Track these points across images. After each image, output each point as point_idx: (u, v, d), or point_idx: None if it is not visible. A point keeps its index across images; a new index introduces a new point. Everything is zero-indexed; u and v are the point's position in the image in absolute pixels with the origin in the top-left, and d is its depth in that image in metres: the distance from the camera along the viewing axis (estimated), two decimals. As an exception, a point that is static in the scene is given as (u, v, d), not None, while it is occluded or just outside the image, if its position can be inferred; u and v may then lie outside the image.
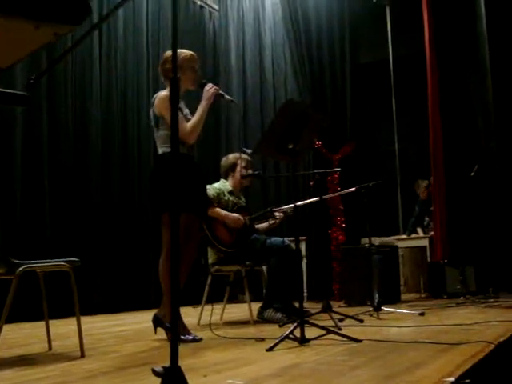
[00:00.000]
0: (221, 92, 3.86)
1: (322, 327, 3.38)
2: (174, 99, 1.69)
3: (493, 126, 7.15)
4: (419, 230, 8.34)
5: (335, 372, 2.42)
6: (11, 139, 5.74)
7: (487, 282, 6.81)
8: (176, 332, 1.69)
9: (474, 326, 3.81)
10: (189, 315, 4.61)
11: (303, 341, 3.24)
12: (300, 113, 3.38)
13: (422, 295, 7.43)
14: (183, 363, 2.83)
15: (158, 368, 1.65)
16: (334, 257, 7.29)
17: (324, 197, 4.55)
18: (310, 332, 3.35)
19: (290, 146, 3.40)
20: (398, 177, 8.78)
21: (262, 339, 3.49)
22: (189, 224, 3.70)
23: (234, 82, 8.69)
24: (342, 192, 5.32)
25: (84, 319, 5.36)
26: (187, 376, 2.43)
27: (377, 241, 7.93)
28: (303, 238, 7.07)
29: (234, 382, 2.26)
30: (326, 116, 4.13)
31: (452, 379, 2.14)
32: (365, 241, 7.58)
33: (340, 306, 6.27)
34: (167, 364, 2.76)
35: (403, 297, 7.33)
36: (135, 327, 4.55)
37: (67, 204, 6.19)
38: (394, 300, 6.35)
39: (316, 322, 4.10)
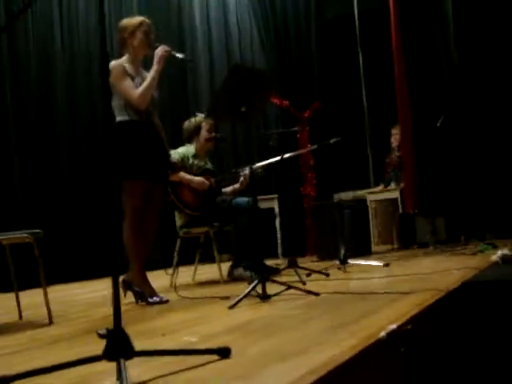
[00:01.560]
0: (172, 52, 3.88)
1: (282, 283, 3.49)
2: (103, 76, 1.74)
3: (457, 76, 7.23)
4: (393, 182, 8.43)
5: (286, 325, 2.55)
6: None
7: (458, 231, 6.98)
8: (118, 296, 1.77)
9: (433, 274, 3.93)
10: (160, 278, 4.71)
11: (265, 297, 3.35)
12: (251, 77, 3.44)
13: (394, 246, 7.57)
14: (146, 324, 2.99)
15: (102, 330, 1.73)
16: (307, 213, 7.42)
17: (284, 156, 4.62)
18: (275, 288, 3.46)
19: (243, 109, 3.46)
20: (368, 130, 8.84)
21: (227, 297, 3.60)
22: (149, 190, 3.80)
23: (199, 42, 8.65)
24: (302, 151, 5.41)
25: (55, 288, 5.55)
26: (147, 336, 2.57)
27: (350, 195, 8.07)
28: (274, 196, 7.15)
29: (189, 338, 2.37)
30: (272, 81, 4.16)
31: (394, 326, 2.25)
32: (338, 196, 7.75)
33: (312, 261, 6.42)
34: (135, 326, 2.91)
35: (375, 249, 7.49)
36: (105, 293, 4.64)
37: (33, 174, 6.19)
38: (365, 252, 6.50)
39: (282, 278, 4.27)
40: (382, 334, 2.13)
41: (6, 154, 5.96)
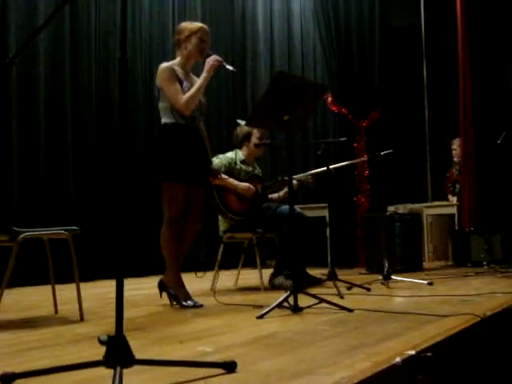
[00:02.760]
0: (223, 63, 3.88)
1: (314, 296, 3.43)
2: (122, 80, 1.73)
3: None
4: (452, 197, 8.23)
5: (307, 341, 2.49)
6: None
7: (514, 251, 6.75)
8: (121, 301, 1.77)
9: (477, 297, 3.80)
10: (201, 281, 4.72)
11: (296, 309, 3.31)
12: (294, 85, 3.40)
13: (448, 263, 7.38)
14: (170, 329, 2.99)
15: (103, 337, 1.73)
16: (359, 224, 7.33)
17: (331, 166, 4.56)
18: (311, 300, 3.41)
19: (286, 118, 3.42)
20: (428, 143, 8.66)
21: (261, 306, 3.56)
22: (189, 194, 3.81)
23: (261, 49, 8.67)
24: (351, 162, 5.32)
25: (99, 283, 5.65)
26: (167, 342, 2.57)
27: (406, 208, 7.92)
28: (325, 204, 7.07)
29: (204, 349, 2.35)
30: (323, 88, 4.10)
31: (412, 352, 2.18)
32: (392, 208, 7.61)
33: (360, 273, 6.33)
34: (159, 330, 2.92)
35: (428, 264, 7.34)
36: (146, 292, 4.70)
37: (68, 173, 6.25)
38: (416, 268, 6.36)
39: (323, 289, 4.23)
40: (398, 359, 2.05)
41: (35, 151, 6.07)
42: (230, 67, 3.89)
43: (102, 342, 1.72)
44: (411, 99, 8.90)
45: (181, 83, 3.80)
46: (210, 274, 4.82)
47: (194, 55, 3.94)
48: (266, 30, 8.70)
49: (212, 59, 3.84)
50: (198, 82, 3.83)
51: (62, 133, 6.18)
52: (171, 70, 3.83)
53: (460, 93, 7.32)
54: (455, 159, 7.96)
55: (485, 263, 6.42)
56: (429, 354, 2.23)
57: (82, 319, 3.26)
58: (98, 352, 1.84)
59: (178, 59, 3.95)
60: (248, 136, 5.05)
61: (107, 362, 1.70)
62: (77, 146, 6.29)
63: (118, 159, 1.98)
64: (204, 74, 3.83)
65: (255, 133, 5.04)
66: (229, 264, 5.92)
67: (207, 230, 6.44)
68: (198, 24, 4.01)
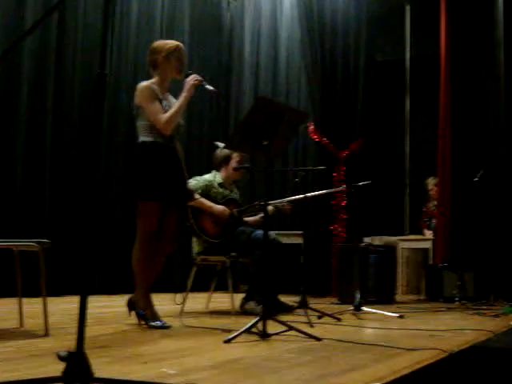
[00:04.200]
0: (203, 83, 3.88)
1: (283, 323, 3.41)
2: (98, 96, 1.72)
3: (504, 132, 7.09)
4: (428, 231, 8.28)
5: (272, 368, 2.47)
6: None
7: (487, 289, 6.77)
8: (83, 317, 1.74)
9: (446, 332, 3.80)
10: (167, 303, 4.67)
11: (264, 335, 3.28)
12: (275, 111, 3.41)
13: (421, 297, 7.39)
14: (136, 348, 2.95)
15: (63, 352, 1.70)
16: (334, 253, 7.33)
17: (308, 194, 4.57)
18: (280, 327, 3.39)
19: (265, 143, 3.43)
20: (407, 177, 8.72)
21: (229, 331, 3.53)
22: (164, 214, 3.79)
23: (246, 73, 8.71)
24: (329, 191, 5.33)
25: (69, 299, 5.57)
26: (130, 361, 2.53)
27: (381, 240, 7.94)
28: (299, 232, 7.06)
29: (167, 370, 2.32)
30: (304, 115, 4.12)
31: (376, 384, 2.17)
32: (368, 240, 7.63)
33: (332, 303, 6.32)
34: (123, 349, 2.87)
35: (401, 297, 7.34)
36: (115, 310, 4.64)
37: (44, 186, 6.17)
38: (388, 300, 6.37)
39: (293, 317, 4.20)
40: (361, 391, 2.04)
41: (39, 166, 6.06)
42: (209, 87, 3.89)
43: (61, 358, 1.68)
44: (393, 133, 8.97)
45: (160, 102, 3.80)
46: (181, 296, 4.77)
47: (173, 75, 3.93)
48: (252, 55, 8.75)
49: (192, 78, 3.84)
50: (179, 101, 3.82)
51: (41, 145, 6.11)
52: (151, 88, 3.82)
53: (440, 128, 7.41)
54: (431, 194, 8.03)
55: (457, 299, 6.44)
56: (393, 387, 2.22)
57: (46, 334, 3.21)
58: (59, 368, 1.81)
59: (155, 79, 3.92)
60: (227, 159, 5.05)
61: (65, 378, 1.66)
62: (54, 159, 6.21)
63: (92, 173, 1.96)
64: (184, 94, 3.82)
65: (235, 156, 5.04)
66: (201, 286, 5.88)
67: (181, 252, 6.40)
68: (174, 42, 3.98)
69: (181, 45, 3.95)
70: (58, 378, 1.69)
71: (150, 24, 7.41)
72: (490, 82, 7.27)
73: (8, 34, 5.78)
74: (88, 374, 1.69)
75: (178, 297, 4.50)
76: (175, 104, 3.83)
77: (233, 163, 5.04)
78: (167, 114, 3.75)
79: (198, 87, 3.89)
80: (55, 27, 6.25)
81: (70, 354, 1.69)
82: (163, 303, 4.46)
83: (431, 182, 7.97)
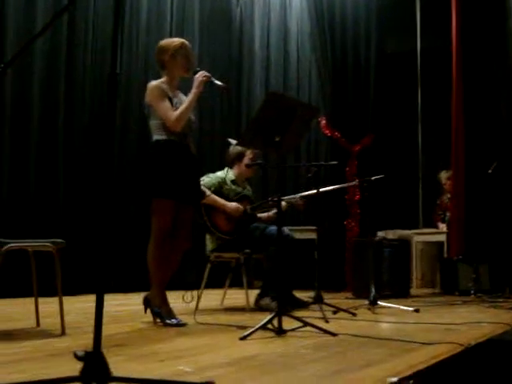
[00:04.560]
0: (212, 79, 3.88)
1: (299, 319, 3.41)
2: (111, 95, 1.72)
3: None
4: (442, 225, 8.24)
5: (288, 364, 2.47)
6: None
7: (502, 281, 6.74)
8: (100, 316, 1.74)
9: (462, 326, 3.78)
10: (182, 300, 4.67)
11: (280, 332, 3.28)
12: (287, 106, 3.41)
13: (436, 291, 7.36)
14: (152, 346, 2.96)
15: (80, 352, 1.71)
16: (348, 248, 7.32)
17: (321, 189, 4.57)
18: (295, 323, 3.38)
19: (277, 139, 3.42)
20: (420, 170, 8.68)
21: (244, 327, 3.53)
22: (178, 212, 3.79)
23: (257, 69, 8.69)
24: (342, 185, 5.32)
25: (85, 298, 5.60)
26: (147, 359, 2.54)
27: (395, 234, 7.91)
28: (313, 227, 7.05)
29: (183, 368, 2.32)
30: (315, 111, 4.11)
31: (394, 379, 2.15)
32: (381, 234, 7.61)
33: (347, 298, 6.31)
34: (140, 347, 2.88)
35: (416, 291, 7.31)
36: (131, 308, 4.66)
37: (58, 186, 6.21)
38: (403, 294, 6.34)
39: (308, 312, 4.20)
40: (378, 386, 2.03)
41: (53, 166, 6.10)
42: (218, 82, 3.89)
43: (78, 358, 1.69)
44: (405, 125, 8.93)
45: (170, 100, 3.81)
46: (196, 293, 4.78)
47: (181, 72, 3.94)
48: (262, 50, 8.73)
49: (201, 75, 3.84)
50: (188, 98, 3.83)
51: (54, 144, 6.15)
52: (161, 87, 3.83)
53: (453, 121, 7.36)
54: (446, 187, 7.98)
55: (472, 292, 6.41)
56: (411, 381, 2.21)
57: (63, 333, 3.23)
58: (76, 367, 1.82)
59: (164, 78, 3.94)
60: (240, 156, 5.03)
61: (83, 378, 1.67)
62: (68, 159, 6.26)
63: (106, 173, 1.96)
64: (193, 90, 3.83)
65: (248, 153, 5.02)
66: (215, 283, 5.88)
67: (194, 249, 6.39)
68: (179, 40, 4.00)
69: (186, 42, 3.96)
70: (75, 378, 1.70)
71: (159, 22, 7.42)
72: (502, 72, 7.21)
73: (19, 35, 5.81)
74: (106, 373, 1.70)
75: (188, 295, 4.49)
76: (184, 101, 3.83)
77: (246, 160, 5.03)
78: (177, 112, 3.76)
79: (207, 83, 3.89)
80: (65, 29, 6.28)
81: (88, 353, 1.70)
82: (178, 301, 4.47)
83: (444, 176, 7.93)
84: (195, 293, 4.67)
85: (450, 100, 7.40)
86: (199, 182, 4.04)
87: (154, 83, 3.85)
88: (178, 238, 3.89)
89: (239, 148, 4.98)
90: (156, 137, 3.83)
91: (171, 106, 3.78)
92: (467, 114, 7.35)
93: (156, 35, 7.24)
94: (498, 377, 2.79)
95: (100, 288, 1.76)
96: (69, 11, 6.11)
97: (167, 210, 3.74)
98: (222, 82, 3.95)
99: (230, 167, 5.09)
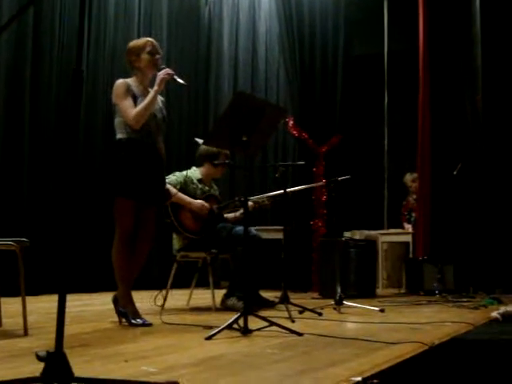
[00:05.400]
0: (174, 76, 3.85)
1: (265, 319, 3.41)
2: (75, 93, 1.70)
3: (481, 126, 7.14)
4: (408, 225, 8.31)
5: (254, 364, 2.46)
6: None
7: (467, 281, 6.84)
8: (63, 316, 1.72)
9: (427, 325, 3.82)
10: (148, 300, 4.64)
11: (246, 331, 3.27)
12: (254, 106, 3.40)
13: (401, 291, 7.44)
14: (117, 347, 2.93)
15: (42, 352, 1.68)
16: (315, 248, 7.35)
17: (288, 190, 4.57)
18: (261, 323, 3.38)
19: (244, 139, 3.42)
20: (386, 172, 8.76)
21: (210, 327, 3.52)
22: (140, 212, 3.77)
23: (225, 68, 8.68)
24: (309, 185, 5.34)
25: (51, 298, 5.51)
26: (111, 359, 2.51)
27: (362, 234, 7.98)
28: (280, 227, 7.05)
29: (147, 368, 2.30)
30: (283, 111, 4.12)
31: (359, 378, 2.16)
32: (348, 234, 7.66)
33: (313, 298, 6.33)
34: (104, 347, 2.85)
35: (382, 291, 7.39)
36: (96, 308, 4.62)
37: (22, 184, 6.11)
38: (369, 294, 6.38)
39: (274, 312, 4.20)
40: (343, 385, 2.04)
41: (17, 163, 6.00)
42: (180, 81, 3.86)
43: (40, 358, 1.66)
44: (371, 127, 9.01)
45: (135, 99, 3.78)
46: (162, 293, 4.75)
47: (149, 70, 3.92)
48: (230, 50, 8.71)
49: (163, 72, 3.82)
50: (148, 96, 3.79)
51: (18, 140, 6.04)
52: (126, 85, 3.81)
53: (419, 123, 7.46)
54: (411, 188, 8.07)
55: (437, 292, 6.48)
56: (375, 380, 2.22)
57: (26, 333, 3.17)
58: (38, 368, 1.79)
59: (135, 77, 3.94)
60: (213, 157, 4.96)
61: (44, 379, 1.64)
62: (32, 156, 6.15)
63: (69, 171, 1.93)
64: (154, 88, 3.80)
65: (222, 156, 4.98)
66: (182, 283, 5.86)
67: (161, 248, 6.36)
68: (144, 39, 4.03)
69: (151, 40, 3.97)
70: (37, 379, 1.67)
71: (127, 18, 7.36)
72: (467, 76, 7.33)
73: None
74: (68, 374, 1.67)
75: (159, 297, 4.46)
76: (145, 99, 3.79)
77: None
78: (136, 109, 3.73)
79: (170, 81, 3.87)
80: (31, 24, 6.17)
81: (49, 353, 1.67)
82: (144, 301, 4.43)
83: (409, 179, 8.03)
84: (162, 295, 4.63)
85: (417, 102, 7.49)
86: (164, 181, 4.00)
87: (119, 81, 3.84)
88: (142, 239, 3.86)
89: (214, 149, 4.90)
90: (119, 135, 3.81)
91: (134, 104, 3.75)
92: (433, 116, 7.45)
93: (124, 31, 7.23)
94: (461, 376, 2.82)
95: (62, 287, 1.74)
96: (34, 5, 6.02)
97: (128, 209, 3.71)
98: (185, 80, 3.93)
99: (198, 166, 5.06)
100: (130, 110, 3.72)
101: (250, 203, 4.92)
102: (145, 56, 3.86)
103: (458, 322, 3.95)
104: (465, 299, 5.93)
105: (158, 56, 3.90)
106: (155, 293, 4.65)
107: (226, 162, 5.00)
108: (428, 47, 7.46)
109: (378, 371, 2.32)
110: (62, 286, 1.75)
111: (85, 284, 6.41)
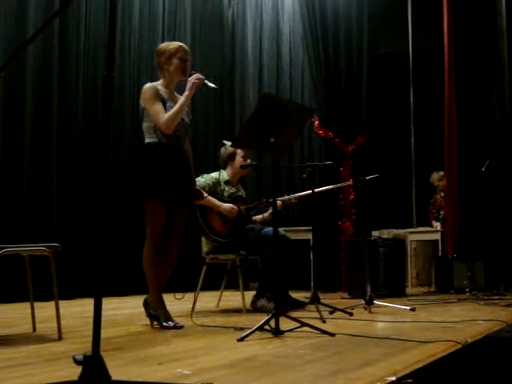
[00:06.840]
0: (205, 81, 3.88)
1: (296, 319, 3.41)
2: (106, 98, 1.72)
3: (509, 122, 7.06)
4: (436, 223, 8.25)
5: (287, 365, 2.47)
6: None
7: (497, 279, 6.76)
8: (99, 320, 1.74)
9: (459, 324, 3.79)
10: (179, 303, 4.67)
11: (277, 332, 3.28)
12: (281, 107, 3.41)
13: (431, 289, 7.38)
14: (150, 349, 2.95)
15: (79, 356, 1.70)
16: (343, 248, 7.33)
17: (316, 190, 4.57)
18: (293, 323, 3.38)
19: (272, 140, 3.43)
20: (413, 170, 8.71)
21: (242, 329, 3.53)
22: (171, 214, 3.79)
23: (249, 70, 8.70)
24: (336, 185, 5.32)
25: (83, 301, 5.59)
26: (145, 362, 2.54)
27: (390, 233, 7.94)
28: (309, 228, 7.04)
29: (182, 371, 2.32)
30: (310, 111, 4.12)
31: (393, 378, 2.16)
32: (376, 233, 7.62)
33: (343, 298, 6.32)
34: (138, 350, 2.88)
35: (411, 290, 7.34)
36: (128, 312, 4.65)
37: (51, 189, 6.19)
38: (399, 293, 6.35)
39: (305, 313, 4.21)
40: (377, 385, 2.04)
41: (47, 170, 6.09)
42: (211, 85, 3.89)
43: (77, 362, 1.68)
44: (398, 125, 8.96)
45: (164, 103, 3.80)
46: (191, 295, 4.76)
47: (177, 75, 3.94)
48: (255, 52, 8.74)
49: (193, 77, 3.84)
50: (180, 100, 3.81)
51: (47, 148, 6.13)
52: (154, 89, 3.83)
53: (445, 120, 7.39)
54: (439, 186, 8.01)
55: (467, 290, 6.43)
56: (409, 380, 2.21)
57: (60, 338, 3.22)
58: (75, 372, 1.81)
59: (162, 80, 3.96)
60: (232, 156, 5.04)
61: (82, 382, 1.66)
62: (61, 162, 6.24)
63: (100, 176, 1.96)
64: (185, 93, 3.82)
65: (239, 153, 5.04)
66: (211, 285, 5.89)
67: (190, 251, 6.40)
68: (177, 43, 4.02)
69: (183, 45, 3.97)
70: (75, 382, 1.69)
71: (151, 24, 7.42)
72: (493, 71, 7.25)
73: (11, 41, 5.78)
74: (105, 377, 1.69)
75: (179, 294, 4.46)
76: (176, 104, 3.82)
77: (238, 159, 5.04)
78: (167, 114, 3.75)
79: (201, 86, 3.89)
80: (57, 35, 6.26)
81: (86, 357, 1.69)
82: (174, 303, 4.46)
83: (435, 178, 7.97)
84: (191, 295, 4.65)
85: (443, 99, 7.43)
86: (192, 185, 4.03)
87: (148, 85, 3.86)
88: (172, 241, 3.88)
89: (231, 149, 5.00)
90: (147, 139, 3.83)
91: (164, 108, 3.78)
92: (459, 112, 7.38)
93: (148, 38, 7.27)
94: (495, 374, 2.80)
95: (98, 291, 1.76)
96: (60, 16, 6.09)
97: (159, 213, 3.74)
98: (214, 84, 3.95)
99: (223, 168, 5.10)
100: (161, 114, 3.75)
101: (278, 203, 4.92)
102: (176, 61, 3.88)
103: (490, 319, 3.91)
104: (496, 297, 5.87)
105: (188, 63, 3.92)
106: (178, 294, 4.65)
107: (253, 163, 5.03)
108: (453, 43, 7.40)
109: (412, 371, 2.32)
110: (98, 289, 1.77)
111: (115, 287, 6.47)
